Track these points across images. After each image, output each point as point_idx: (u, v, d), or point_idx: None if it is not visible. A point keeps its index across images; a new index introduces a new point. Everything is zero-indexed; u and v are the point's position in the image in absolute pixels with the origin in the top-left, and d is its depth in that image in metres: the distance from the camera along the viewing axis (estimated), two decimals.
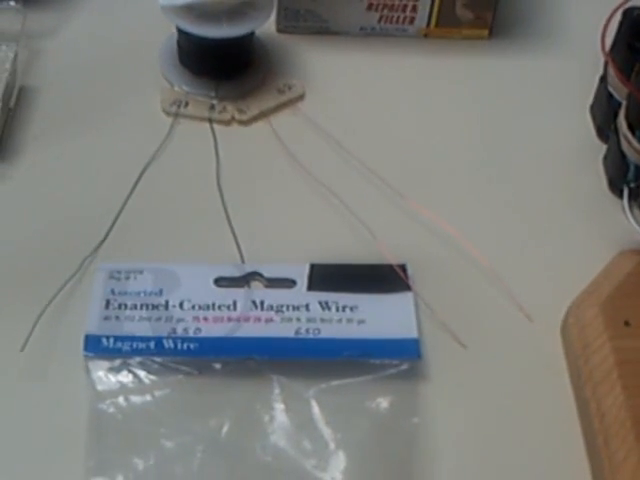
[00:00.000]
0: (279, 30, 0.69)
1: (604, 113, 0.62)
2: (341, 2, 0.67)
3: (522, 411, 0.52)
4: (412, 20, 0.68)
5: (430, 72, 0.68)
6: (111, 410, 0.50)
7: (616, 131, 0.59)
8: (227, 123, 0.63)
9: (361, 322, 0.53)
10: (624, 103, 0.58)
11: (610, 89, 0.61)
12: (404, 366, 0.52)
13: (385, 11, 0.67)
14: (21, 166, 0.61)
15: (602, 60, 0.60)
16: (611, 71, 0.59)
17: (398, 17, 0.68)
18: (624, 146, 0.58)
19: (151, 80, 0.65)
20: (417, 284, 0.55)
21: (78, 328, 0.52)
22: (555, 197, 0.61)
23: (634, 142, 0.57)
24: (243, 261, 0.56)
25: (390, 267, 0.56)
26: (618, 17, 0.59)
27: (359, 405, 0.51)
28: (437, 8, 0.67)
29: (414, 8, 0.67)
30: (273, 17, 0.67)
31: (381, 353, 0.52)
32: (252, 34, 0.64)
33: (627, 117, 0.57)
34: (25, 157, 0.61)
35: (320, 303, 0.54)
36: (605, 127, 0.62)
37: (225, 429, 0.50)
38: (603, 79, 0.62)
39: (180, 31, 0.63)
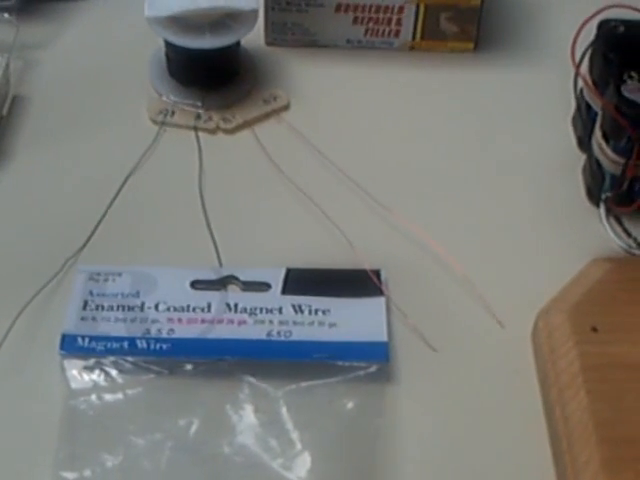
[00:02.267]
0: (267, 43, 0.70)
1: (583, 124, 0.62)
2: (328, 16, 0.68)
3: (490, 415, 0.52)
4: (397, 33, 0.69)
5: (416, 84, 0.68)
6: (83, 407, 0.51)
7: (591, 141, 0.59)
8: (212, 132, 0.64)
9: (332, 325, 0.54)
10: (599, 113, 0.59)
11: (588, 100, 0.61)
12: (372, 368, 0.52)
13: (371, 24, 0.68)
14: (10, 171, 0.62)
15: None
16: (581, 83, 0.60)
17: (384, 30, 0.69)
18: (599, 156, 0.59)
19: (140, 90, 0.66)
20: (391, 290, 0.56)
21: (56, 327, 0.53)
22: (535, 206, 0.62)
23: (608, 151, 0.58)
24: (221, 265, 0.57)
25: (364, 272, 0.56)
26: (593, 29, 0.60)
27: (326, 406, 0.51)
28: (422, 22, 0.68)
29: (399, 21, 0.68)
30: (261, 30, 0.69)
31: (350, 356, 0.53)
32: (238, 46, 0.65)
33: (601, 127, 0.58)
34: (15, 163, 0.63)
35: (293, 306, 0.55)
36: (584, 137, 0.62)
37: (194, 428, 0.50)
38: (581, 90, 0.62)
39: (167, 43, 0.64)
